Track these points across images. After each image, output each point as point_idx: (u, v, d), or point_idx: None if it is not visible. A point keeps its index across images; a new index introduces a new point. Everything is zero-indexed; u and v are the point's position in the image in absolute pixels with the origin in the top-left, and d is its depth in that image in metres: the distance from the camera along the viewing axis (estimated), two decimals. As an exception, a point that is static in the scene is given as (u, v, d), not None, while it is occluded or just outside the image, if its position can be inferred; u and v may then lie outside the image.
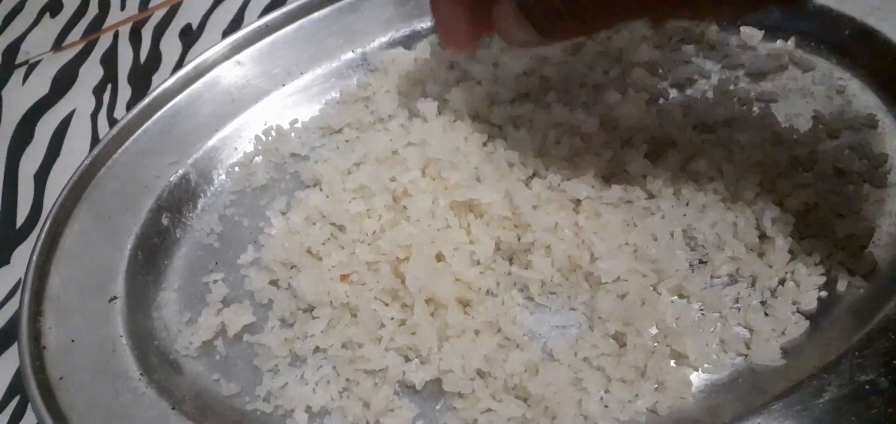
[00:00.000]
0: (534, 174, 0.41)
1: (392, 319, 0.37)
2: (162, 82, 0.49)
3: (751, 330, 0.35)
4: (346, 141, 0.46)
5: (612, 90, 0.43)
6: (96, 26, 0.64)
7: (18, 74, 0.61)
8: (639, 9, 0.32)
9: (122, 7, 0.66)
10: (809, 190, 0.37)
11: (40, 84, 0.60)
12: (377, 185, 0.41)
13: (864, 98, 0.42)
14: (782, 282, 0.36)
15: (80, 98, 0.58)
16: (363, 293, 0.38)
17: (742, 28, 0.46)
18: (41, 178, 0.53)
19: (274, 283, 0.41)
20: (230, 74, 0.50)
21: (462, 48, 0.43)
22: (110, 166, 0.46)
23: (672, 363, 0.34)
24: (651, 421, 0.33)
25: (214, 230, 0.44)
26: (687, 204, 0.39)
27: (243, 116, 0.49)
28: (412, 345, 0.36)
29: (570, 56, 0.46)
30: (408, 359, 0.37)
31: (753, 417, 0.31)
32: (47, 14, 0.67)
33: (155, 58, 0.60)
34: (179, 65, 0.59)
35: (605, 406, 0.34)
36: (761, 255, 0.37)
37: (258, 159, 0.47)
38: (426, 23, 0.51)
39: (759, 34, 0.45)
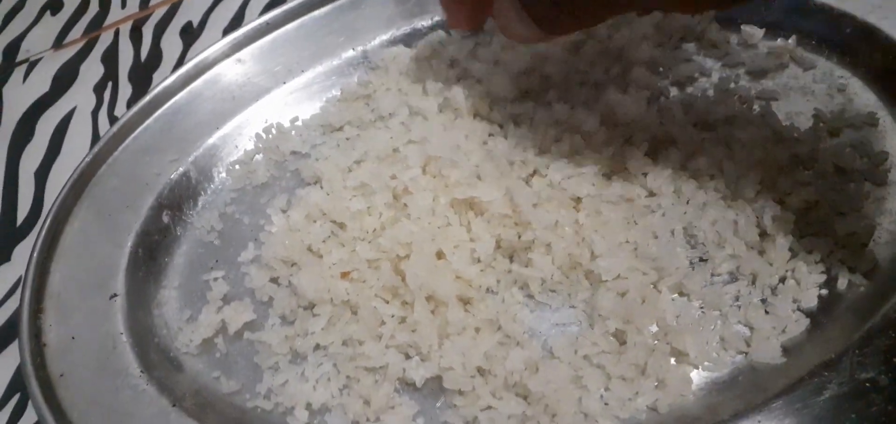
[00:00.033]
0: (534, 172, 0.41)
1: (392, 316, 0.37)
2: (162, 80, 0.49)
3: (751, 328, 0.35)
4: (347, 139, 0.46)
5: (612, 88, 0.43)
6: (97, 24, 0.65)
7: (19, 72, 0.62)
8: (632, 2, 0.32)
9: (123, 5, 0.66)
10: (810, 188, 0.37)
11: (41, 82, 0.60)
12: (378, 183, 0.41)
13: (864, 96, 0.42)
14: (783, 280, 0.36)
15: (80, 96, 0.58)
16: (364, 290, 0.38)
17: (743, 26, 0.46)
18: (42, 175, 0.53)
19: (274, 280, 0.41)
20: (231, 71, 0.50)
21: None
22: (111, 163, 0.46)
23: (672, 360, 0.34)
24: (651, 419, 0.33)
25: (215, 228, 0.44)
26: (687, 202, 0.39)
27: (244, 113, 0.49)
28: (412, 343, 0.36)
29: (571, 54, 0.46)
30: (408, 357, 0.37)
31: (754, 415, 0.31)
32: (48, 12, 0.67)
33: (155, 56, 0.60)
34: (180, 63, 0.59)
35: (606, 404, 0.34)
36: (762, 253, 0.37)
37: (259, 156, 0.47)
38: (427, 21, 0.51)
39: (759, 32, 0.45)
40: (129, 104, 0.56)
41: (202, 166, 0.47)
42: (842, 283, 0.35)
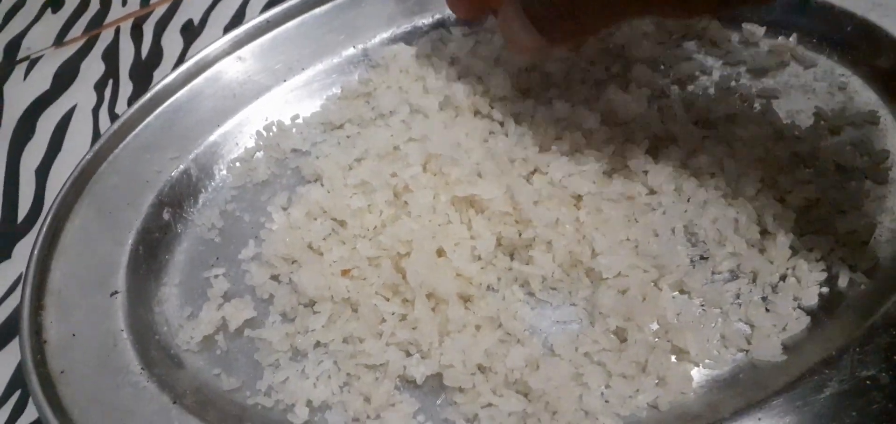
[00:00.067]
0: (535, 170, 0.41)
1: (393, 314, 0.37)
2: (163, 78, 0.49)
3: (752, 326, 0.35)
4: (348, 137, 0.46)
5: (613, 86, 0.43)
6: (98, 22, 0.64)
7: (20, 70, 0.62)
8: (635, 10, 0.32)
9: (124, 3, 0.66)
10: (811, 186, 0.37)
11: (42, 80, 0.60)
12: (378, 180, 0.41)
13: (865, 94, 0.42)
14: (783, 278, 0.36)
15: (81, 94, 0.58)
16: (364, 288, 0.38)
17: (744, 24, 0.46)
18: (42, 173, 0.53)
19: (275, 278, 0.41)
20: (231, 69, 0.50)
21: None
22: (111, 161, 0.46)
23: (673, 358, 0.34)
24: (652, 417, 0.33)
25: (215, 225, 0.44)
26: (688, 200, 0.39)
27: (244, 111, 0.49)
28: (413, 340, 0.36)
29: (572, 52, 0.46)
30: (408, 354, 0.37)
31: (754, 412, 0.31)
32: (49, 10, 0.67)
33: (156, 53, 0.60)
34: (181, 60, 0.59)
35: (606, 402, 0.34)
36: (762, 251, 0.37)
37: (259, 154, 0.47)
38: (427, 19, 0.51)
39: (760, 30, 0.45)
40: (130, 102, 0.56)
41: (203, 164, 0.47)
42: (842, 281, 0.35)
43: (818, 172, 0.38)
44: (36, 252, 0.41)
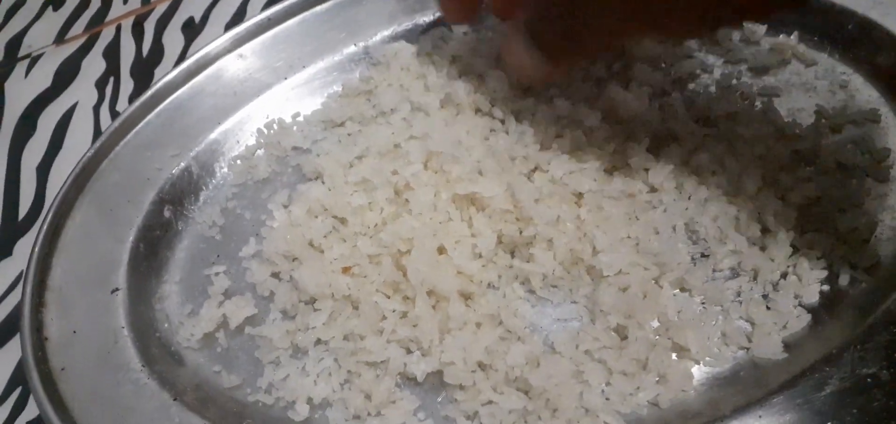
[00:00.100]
0: (536, 168, 0.41)
1: (393, 311, 0.37)
2: (164, 75, 0.49)
3: (752, 324, 0.35)
4: (348, 134, 0.46)
5: (614, 84, 0.43)
6: (99, 20, 0.64)
7: (21, 68, 0.62)
8: (636, 33, 0.33)
9: (125, 1, 0.66)
10: (811, 184, 0.37)
11: (43, 77, 0.60)
12: (379, 178, 0.41)
13: (866, 93, 0.42)
14: (784, 276, 0.36)
15: (82, 91, 0.58)
16: (365, 285, 0.38)
17: (744, 23, 0.46)
18: (43, 170, 0.53)
19: (275, 275, 0.41)
20: (232, 67, 0.50)
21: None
22: (112, 158, 0.46)
23: (673, 356, 0.35)
24: (652, 414, 0.33)
25: (216, 223, 0.44)
26: (689, 198, 0.39)
27: (245, 109, 0.49)
28: (414, 337, 0.36)
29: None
30: (409, 351, 0.37)
31: (755, 410, 0.31)
32: (50, 8, 0.67)
33: (157, 51, 0.60)
34: (182, 58, 0.59)
35: (607, 399, 0.34)
36: (763, 249, 0.37)
37: (260, 152, 0.47)
38: (428, 16, 0.51)
39: (761, 29, 0.45)
40: (131, 99, 0.56)
41: (204, 162, 0.47)
42: (843, 279, 0.35)
43: (819, 170, 0.38)
44: (37, 250, 0.41)
